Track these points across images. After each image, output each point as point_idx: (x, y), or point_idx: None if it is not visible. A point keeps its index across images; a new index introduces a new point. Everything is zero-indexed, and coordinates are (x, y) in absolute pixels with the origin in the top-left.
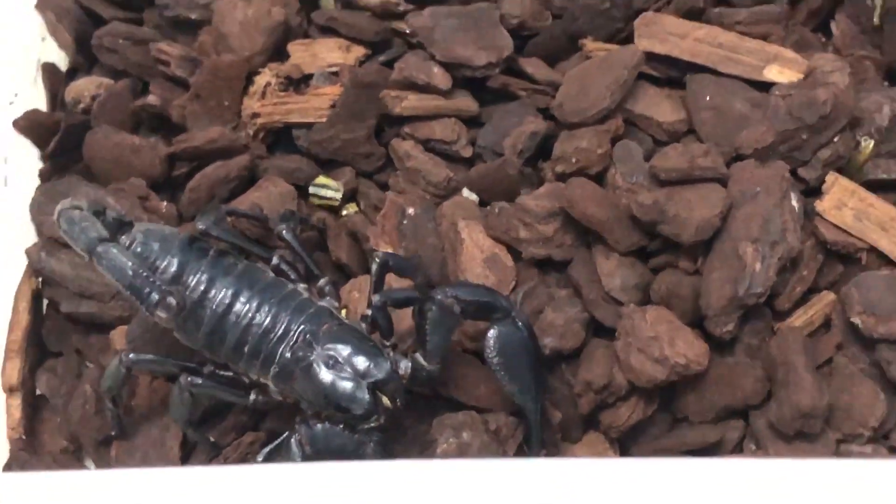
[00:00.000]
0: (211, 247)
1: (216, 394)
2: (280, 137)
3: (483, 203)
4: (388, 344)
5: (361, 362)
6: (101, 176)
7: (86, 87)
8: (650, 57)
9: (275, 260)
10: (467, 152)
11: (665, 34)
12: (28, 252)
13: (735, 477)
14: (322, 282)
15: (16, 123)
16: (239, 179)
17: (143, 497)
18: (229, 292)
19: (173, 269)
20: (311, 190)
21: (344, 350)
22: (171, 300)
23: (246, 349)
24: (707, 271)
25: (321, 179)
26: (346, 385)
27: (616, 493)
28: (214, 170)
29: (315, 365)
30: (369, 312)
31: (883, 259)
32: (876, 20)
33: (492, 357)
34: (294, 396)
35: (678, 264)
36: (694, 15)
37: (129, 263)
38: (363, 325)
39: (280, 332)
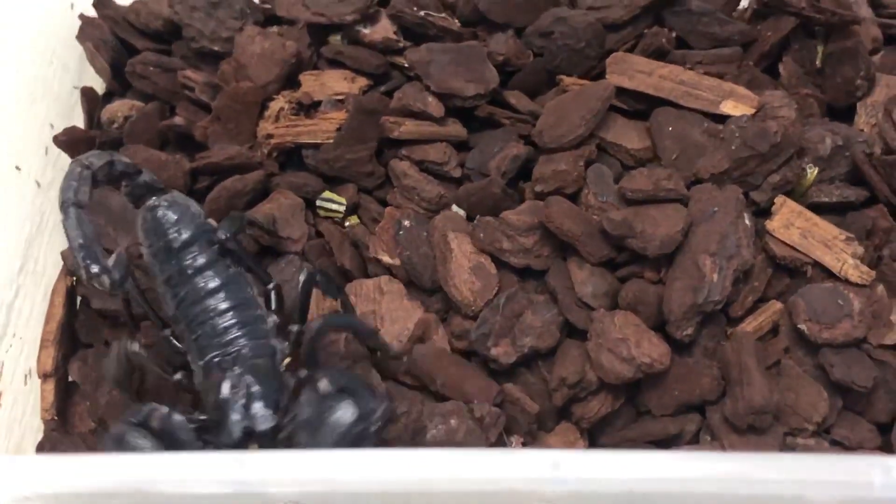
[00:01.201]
0: (220, 240)
1: (146, 364)
2: (291, 156)
3: (470, 217)
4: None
5: (256, 407)
6: None
7: (119, 109)
8: (620, 91)
9: (270, 286)
10: (457, 173)
11: (633, 71)
12: (63, 255)
13: (693, 466)
14: (270, 320)
15: (56, 139)
16: (253, 192)
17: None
18: (210, 286)
19: (179, 242)
20: (318, 203)
21: (253, 387)
22: (106, 279)
23: (194, 336)
24: (669, 281)
25: (327, 194)
26: (230, 414)
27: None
28: (232, 183)
29: (226, 381)
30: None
31: (826, 273)
32: (818, 63)
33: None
34: (202, 391)
35: (643, 275)
36: (659, 55)
37: (82, 233)
38: (290, 381)
39: (224, 340)
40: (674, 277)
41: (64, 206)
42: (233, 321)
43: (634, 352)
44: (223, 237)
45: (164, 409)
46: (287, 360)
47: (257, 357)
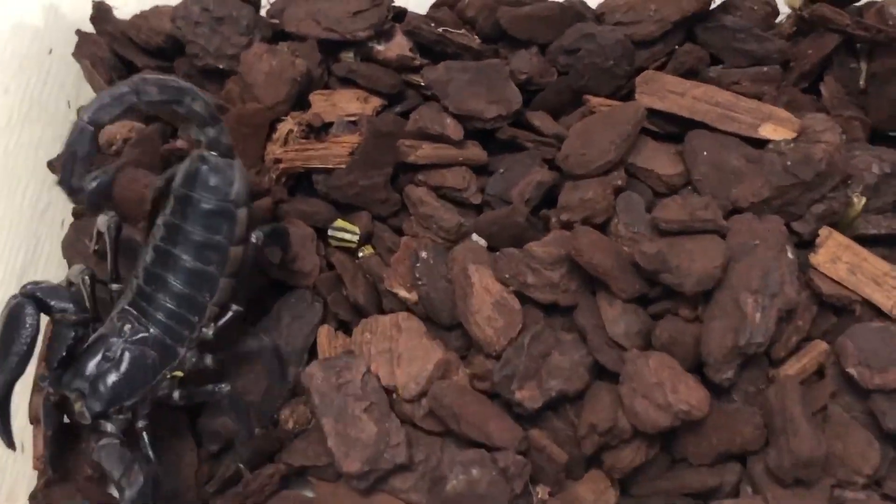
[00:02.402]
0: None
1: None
2: (300, 182)
3: (491, 248)
4: None
5: (94, 393)
6: (130, 215)
7: (118, 131)
8: (651, 113)
9: (235, 308)
10: (477, 199)
11: (665, 92)
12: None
13: None
14: (199, 333)
15: (50, 164)
16: (261, 221)
17: None
18: (182, 263)
19: (199, 207)
20: (330, 233)
21: (111, 375)
22: (73, 193)
23: (134, 286)
24: (707, 320)
25: (339, 223)
26: (82, 370)
27: None
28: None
29: (107, 347)
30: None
31: (875, 311)
32: (862, 83)
33: None
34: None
35: (678, 312)
36: (692, 74)
37: (78, 149)
38: (167, 387)
39: (147, 312)
40: (712, 316)
41: (80, 118)
42: (168, 305)
43: (671, 398)
44: (255, 239)
45: (69, 307)
46: (176, 374)
47: (150, 349)
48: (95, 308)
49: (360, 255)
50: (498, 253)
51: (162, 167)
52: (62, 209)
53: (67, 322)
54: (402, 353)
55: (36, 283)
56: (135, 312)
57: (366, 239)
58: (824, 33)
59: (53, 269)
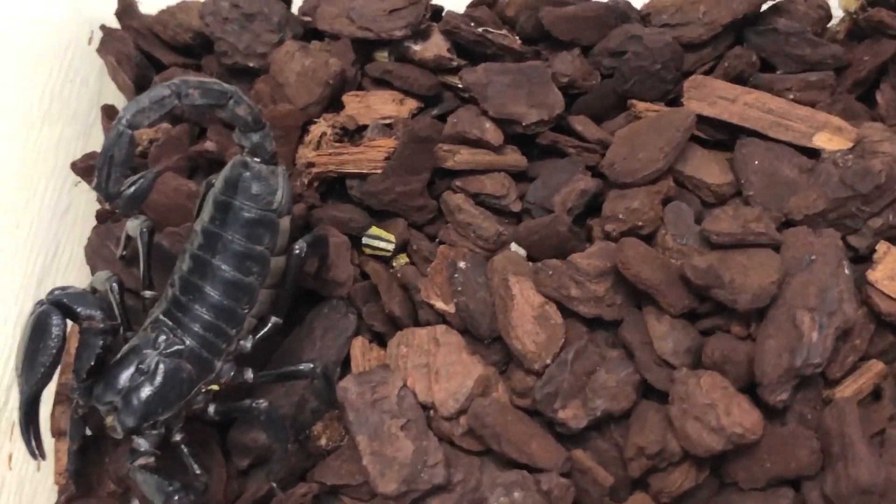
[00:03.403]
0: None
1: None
2: (333, 187)
3: (531, 258)
4: None
5: (126, 408)
6: (157, 219)
7: (144, 131)
8: (699, 119)
9: (274, 320)
10: (517, 207)
11: (715, 97)
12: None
13: None
14: (237, 346)
15: (73, 166)
16: (292, 227)
17: None
18: (221, 274)
19: (239, 215)
20: (364, 240)
21: (145, 389)
22: (108, 197)
23: (170, 295)
24: (761, 338)
25: (374, 230)
26: (112, 384)
27: None
28: None
29: (141, 359)
30: None
31: None
32: None
33: None
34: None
35: (730, 328)
36: (741, 79)
37: (116, 154)
38: (202, 403)
39: (183, 323)
40: (766, 335)
41: (120, 121)
42: (205, 316)
43: (724, 420)
44: (297, 250)
45: (97, 314)
46: (212, 388)
47: (186, 362)
48: (125, 316)
49: (395, 264)
50: (539, 264)
51: (190, 169)
52: (83, 212)
53: (95, 330)
54: (440, 369)
55: (63, 288)
56: (170, 323)
57: (401, 247)
58: (881, 39)
59: (74, 274)
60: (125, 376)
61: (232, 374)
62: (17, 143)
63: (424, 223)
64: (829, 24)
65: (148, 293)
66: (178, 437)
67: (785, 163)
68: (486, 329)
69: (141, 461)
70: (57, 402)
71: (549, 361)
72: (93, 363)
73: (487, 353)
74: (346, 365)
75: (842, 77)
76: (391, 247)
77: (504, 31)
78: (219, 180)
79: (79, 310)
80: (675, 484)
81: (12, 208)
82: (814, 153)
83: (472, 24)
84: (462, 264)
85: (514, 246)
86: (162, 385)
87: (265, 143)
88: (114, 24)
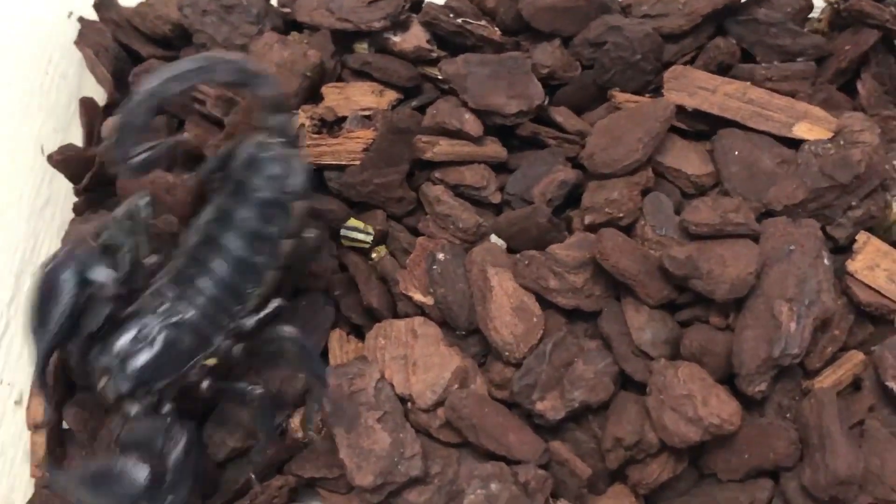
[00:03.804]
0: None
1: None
2: (312, 179)
3: (511, 250)
4: None
5: (124, 368)
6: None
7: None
8: (679, 110)
9: (278, 303)
10: (496, 199)
11: (694, 88)
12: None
13: None
14: (237, 323)
15: (50, 158)
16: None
17: None
18: (231, 250)
19: (253, 195)
20: (343, 232)
21: (141, 355)
22: (116, 157)
23: (176, 267)
24: (739, 329)
25: (352, 222)
26: (110, 348)
27: None
28: None
29: (142, 324)
30: None
31: None
32: None
33: None
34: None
35: (708, 319)
36: (722, 69)
37: (135, 119)
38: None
39: (186, 294)
40: (745, 325)
41: (147, 85)
42: (209, 291)
43: (701, 411)
44: (311, 236)
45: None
46: (209, 361)
47: (186, 333)
48: (152, 241)
49: (374, 256)
50: (518, 255)
51: (167, 163)
52: (62, 205)
53: (105, 297)
54: (417, 360)
55: (76, 246)
56: (173, 293)
57: (380, 239)
58: (862, 28)
59: None
60: (124, 341)
61: (231, 350)
62: None
63: (403, 215)
64: (810, 14)
65: (152, 258)
66: (166, 409)
67: (765, 153)
68: (465, 321)
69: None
70: (33, 395)
71: (527, 353)
72: (97, 328)
73: (466, 345)
74: (323, 357)
75: (823, 67)
76: (370, 238)
77: (484, 23)
78: (237, 156)
79: (91, 272)
80: (653, 475)
81: None
82: (794, 143)
83: (452, 15)
84: (441, 256)
85: (493, 237)
86: (160, 353)
87: (288, 126)
88: (92, 16)
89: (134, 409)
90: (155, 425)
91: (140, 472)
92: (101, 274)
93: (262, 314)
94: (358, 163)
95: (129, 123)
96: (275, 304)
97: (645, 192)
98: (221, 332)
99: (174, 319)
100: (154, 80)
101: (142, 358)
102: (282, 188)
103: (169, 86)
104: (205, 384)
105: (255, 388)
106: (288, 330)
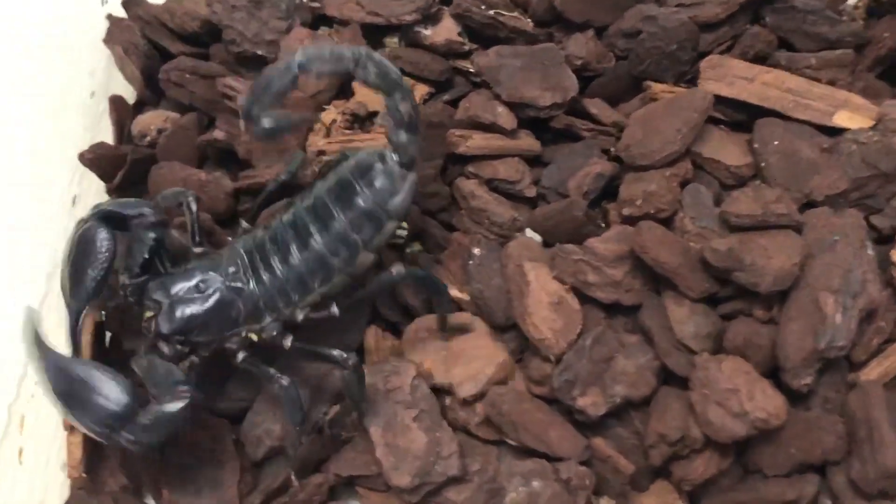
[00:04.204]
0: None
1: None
2: None
3: (547, 244)
4: None
5: (184, 314)
6: (167, 210)
7: (152, 121)
8: (716, 100)
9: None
10: (531, 192)
11: (732, 77)
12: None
13: None
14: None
15: (82, 157)
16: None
17: None
18: (302, 246)
19: (353, 204)
20: None
21: (207, 303)
22: (252, 120)
23: (260, 232)
24: (784, 321)
25: None
26: (171, 295)
27: None
28: (281, 206)
29: (213, 280)
30: None
31: None
32: None
33: None
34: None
35: (752, 312)
36: (759, 58)
37: (266, 88)
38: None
39: (262, 262)
40: (789, 317)
41: (294, 57)
42: (279, 272)
43: (748, 405)
44: (394, 273)
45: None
46: (251, 336)
47: (241, 302)
48: (199, 231)
49: (409, 251)
50: (555, 249)
51: (199, 158)
52: (93, 204)
53: (146, 224)
54: (460, 352)
55: (106, 203)
56: (245, 260)
57: (414, 235)
58: None
59: None
60: (182, 286)
61: (274, 333)
62: (25, 136)
63: (438, 210)
64: (847, 1)
65: (198, 249)
66: (194, 359)
67: (805, 142)
68: (502, 316)
69: (153, 356)
70: None
71: (566, 348)
72: (146, 256)
73: (504, 341)
74: (359, 354)
75: (861, 55)
76: (404, 234)
77: (516, 14)
78: (354, 158)
79: (126, 212)
80: (698, 471)
81: (21, 201)
82: (834, 132)
83: (484, 6)
84: (476, 251)
85: (528, 232)
86: (210, 310)
87: (410, 148)
88: (121, 13)
89: (164, 349)
90: (171, 371)
91: (123, 397)
92: (136, 208)
93: (315, 314)
94: None
95: (267, 86)
96: (333, 309)
97: (683, 184)
98: (274, 313)
99: (236, 285)
100: (305, 53)
101: (192, 308)
102: (383, 203)
103: (318, 63)
104: (240, 356)
105: (282, 377)
106: (337, 354)
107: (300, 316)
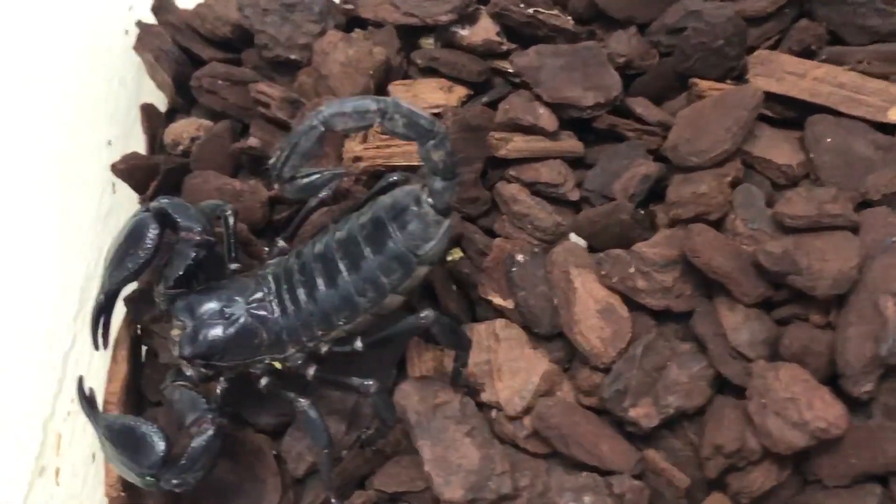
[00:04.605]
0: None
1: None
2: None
3: (592, 248)
4: None
5: (207, 339)
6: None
7: (185, 129)
8: (766, 96)
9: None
10: (574, 196)
11: (782, 73)
12: (126, 300)
13: None
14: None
15: (114, 167)
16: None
17: None
18: (335, 270)
19: (395, 233)
20: None
21: (230, 329)
22: (278, 175)
23: (291, 259)
24: (842, 326)
25: None
26: (196, 317)
27: None
28: (319, 217)
29: (239, 305)
30: None
31: None
32: None
33: None
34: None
35: (808, 317)
36: (808, 53)
37: (303, 147)
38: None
39: (288, 292)
40: (848, 322)
41: (317, 115)
42: (304, 305)
43: (807, 415)
44: (423, 318)
45: (196, 227)
46: (275, 364)
47: (265, 331)
48: (234, 245)
49: (449, 258)
50: (601, 255)
51: (233, 167)
52: (126, 215)
53: (191, 241)
54: (502, 366)
55: (168, 198)
56: (273, 288)
57: (455, 241)
58: None
59: None
60: (207, 309)
61: (298, 363)
62: (55, 147)
63: (478, 215)
64: None
65: (233, 266)
66: (222, 384)
67: (859, 139)
68: (548, 325)
69: (179, 383)
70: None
71: (615, 357)
72: (181, 272)
73: (550, 350)
74: (401, 366)
75: None
76: (456, 257)
77: (555, 12)
78: (390, 195)
79: (179, 220)
80: (756, 484)
81: (53, 214)
82: (889, 128)
83: (522, 5)
84: (520, 258)
85: (573, 237)
86: (233, 337)
87: (446, 195)
88: (150, 19)
89: (188, 371)
90: (194, 401)
91: (158, 445)
92: (189, 220)
93: (339, 348)
94: None
95: (294, 147)
96: (357, 344)
97: (734, 185)
98: (298, 345)
99: (260, 313)
100: (330, 109)
101: (215, 332)
102: (414, 249)
103: (341, 120)
104: (263, 381)
105: (301, 401)
106: (357, 382)
107: (323, 349)
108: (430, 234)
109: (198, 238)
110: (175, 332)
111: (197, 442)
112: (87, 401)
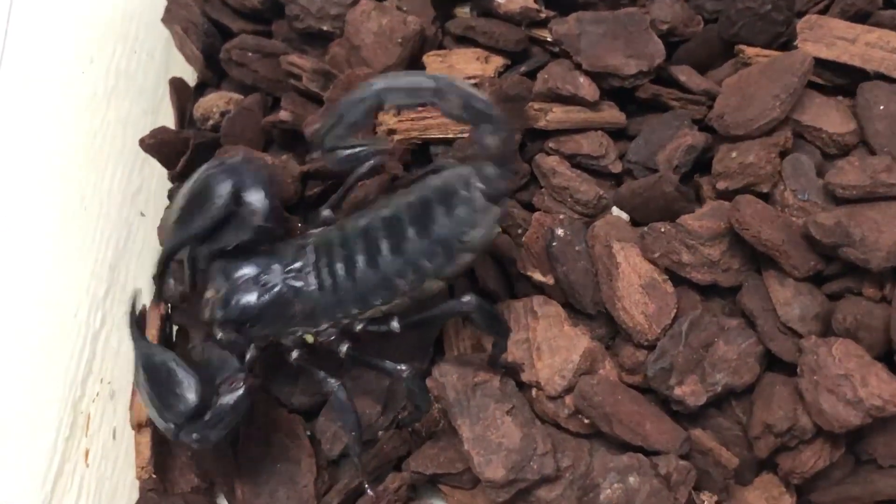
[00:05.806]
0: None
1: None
2: (417, 155)
3: (635, 222)
4: None
5: (239, 305)
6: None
7: (214, 103)
8: (815, 63)
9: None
10: (616, 168)
11: (832, 38)
12: (154, 277)
13: None
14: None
15: (142, 142)
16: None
17: None
18: (377, 247)
19: (427, 198)
20: None
21: (264, 297)
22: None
23: (333, 232)
24: None
25: None
26: (231, 281)
27: None
28: (354, 194)
29: (275, 273)
30: None
31: None
32: None
33: None
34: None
35: (862, 291)
36: (860, 17)
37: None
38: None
39: (327, 265)
40: None
41: (369, 87)
42: (341, 281)
43: (862, 392)
44: (466, 304)
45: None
46: (307, 337)
47: (299, 302)
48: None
49: None
50: (645, 228)
51: (264, 141)
52: (155, 192)
53: (254, 226)
54: (541, 344)
55: (248, 161)
56: (312, 259)
57: None
58: None
59: (150, 259)
60: (243, 274)
61: (331, 339)
62: (83, 122)
63: (517, 189)
64: None
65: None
66: (251, 350)
67: None
68: (590, 301)
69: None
70: (135, 393)
71: (660, 334)
72: (230, 246)
73: (592, 327)
74: (438, 343)
75: None
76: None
77: None
78: (439, 177)
79: (249, 192)
80: (808, 463)
81: (81, 191)
82: None
83: None
84: (560, 232)
85: (615, 210)
86: (266, 305)
87: (498, 182)
88: None
89: (219, 335)
90: (225, 360)
91: (189, 398)
92: (258, 200)
93: (373, 327)
94: (466, 135)
95: (341, 116)
96: (394, 325)
97: (783, 154)
98: (331, 320)
99: (297, 284)
100: (383, 82)
101: (249, 299)
102: (460, 235)
103: (394, 95)
104: (294, 354)
105: (331, 381)
106: (390, 366)
107: (358, 327)
108: (477, 221)
109: (262, 223)
110: (209, 294)
111: (226, 399)
112: (136, 321)
